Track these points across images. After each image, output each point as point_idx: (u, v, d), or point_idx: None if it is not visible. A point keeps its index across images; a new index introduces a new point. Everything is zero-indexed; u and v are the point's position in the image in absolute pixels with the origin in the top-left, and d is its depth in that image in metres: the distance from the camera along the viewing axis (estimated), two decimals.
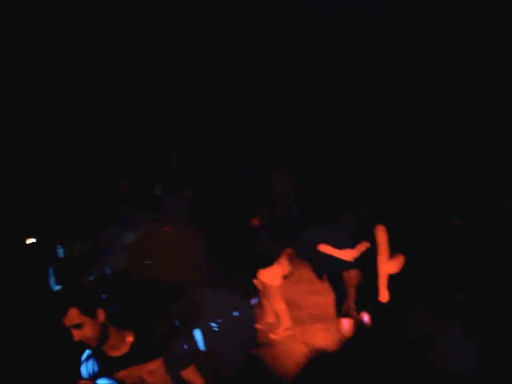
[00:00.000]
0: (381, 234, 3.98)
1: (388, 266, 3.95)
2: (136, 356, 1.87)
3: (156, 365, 1.86)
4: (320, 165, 6.58)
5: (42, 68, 6.64)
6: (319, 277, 5.07)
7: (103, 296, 2.02)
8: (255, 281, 4.50)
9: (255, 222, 4.34)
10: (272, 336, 4.30)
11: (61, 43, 6.53)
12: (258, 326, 4.43)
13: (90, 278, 3.23)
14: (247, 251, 4.73)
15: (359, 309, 4.39)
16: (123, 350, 1.92)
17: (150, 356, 1.87)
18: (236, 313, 4.30)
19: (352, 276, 4.29)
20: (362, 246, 4.20)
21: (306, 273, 5.22)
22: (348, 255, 4.22)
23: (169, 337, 1.98)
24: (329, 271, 4.62)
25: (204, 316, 3.51)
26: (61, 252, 4.21)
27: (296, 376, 3.48)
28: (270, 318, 4.56)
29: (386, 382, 3.29)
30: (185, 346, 2.04)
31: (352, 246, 4.24)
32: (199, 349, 3.41)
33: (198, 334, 3.44)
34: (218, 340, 3.70)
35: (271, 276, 4.29)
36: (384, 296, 3.88)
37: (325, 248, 4.37)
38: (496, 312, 3.25)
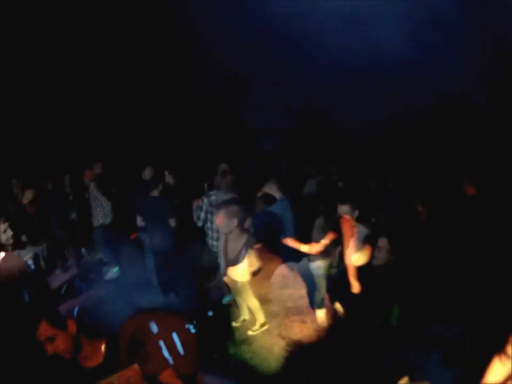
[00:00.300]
0: (346, 226, 4.02)
1: (355, 258, 3.99)
2: (112, 364, 1.83)
3: (132, 372, 1.82)
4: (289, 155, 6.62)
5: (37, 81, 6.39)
6: (291, 270, 5.13)
7: (74, 307, 1.97)
8: (225, 279, 4.49)
9: (220, 220, 4.30)
10: (249, 332, 4.30)
11: (60, 45, 6.26)
12: (234, 324, 4.43)
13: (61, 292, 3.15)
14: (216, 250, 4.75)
15: (333, 299, 4.46)
16: (98, 359, 1.88)
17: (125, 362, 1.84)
18: (210, 314, 4.30)
19: (320, 266, 4.34)
20: (327, 239, 4.25)
21: (277, 267, 5.26)
22: (311, 248, 4.27)
23: (144, 341, 1.95)
24: (300, 263, 4.68)
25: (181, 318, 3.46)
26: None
27: (276, 370, 3.49)
28: (245, 315, 4.56)
29: (362, 369, 3.35)
30: (164, 350, 2.00)
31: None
32: (178, 352, 3.37)
33: (175, 337, 3.39)
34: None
35: (240, 273, 4.29)
36: (354, 287, 3.93)
37: (289, 242, 4.41)
38: (473, 344, 3.32)
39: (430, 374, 3.20)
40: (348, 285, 4.13)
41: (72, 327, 1.82)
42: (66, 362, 1.85)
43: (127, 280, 3.47)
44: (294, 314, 4.48)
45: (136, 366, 1.84)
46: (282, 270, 5.21)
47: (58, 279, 3.34)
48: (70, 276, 3.23)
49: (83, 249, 4.84)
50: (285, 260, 5.14)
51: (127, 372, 1.82)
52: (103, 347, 1.90)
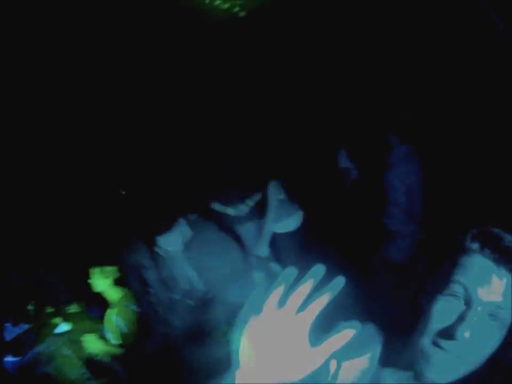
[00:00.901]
0: (271, 190, 4.02)
1: (273, 224, 4.04)
2: None
3: None
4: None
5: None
6: (227, 235, 5.11)
7: None
8: (156, 249, 4.36)
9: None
10: (191, 302, 4.28)
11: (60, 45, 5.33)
12: (174, 296, 4.37)
13: None
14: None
15: (270, 260, 4.56)
16: None
17: None
18: (151, 291, 4.19)
19: (246, 227, 4.36)
20: (251, 201, 4.25)
21: (211, 234, 5.21)
22: (236, 210, 4.25)
23: None
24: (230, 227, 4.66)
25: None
26: None
27: (225, 334, 3.50)
28: (183, 285, 4.51)
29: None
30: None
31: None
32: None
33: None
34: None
35: (170, 242, 4.22)
36: (259, 250, 4.03)
37: (216, 206, 4.36)
38: None
39: None
40: (282, 245, 4.24)
41: None
42: None
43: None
44: (234, 279, 4.49)
45: None
46: (215, 236, 5.18)
47: (8, 333, 2.99)
48: (19, 329, 2.93)
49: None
50: (220, 226, 5.10)
51: None
52: None
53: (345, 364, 0.88)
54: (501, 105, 3.83)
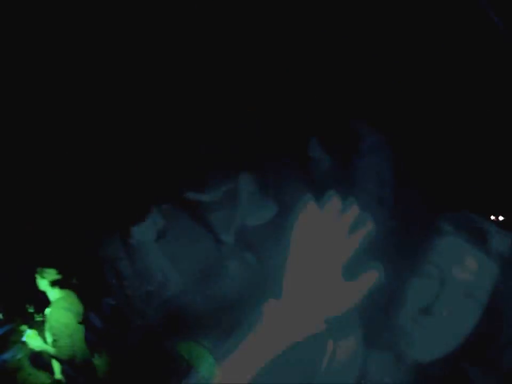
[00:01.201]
0: (243, 181, 4.03)
1: (246, 215, 4.06)
2: None
3: None
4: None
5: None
6: (199, 224, 5.09)
7: None
8: (129, 239, 4.31)
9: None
10: (166, 293, 4.26)
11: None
12: (149, 288, 4.34)
13: None
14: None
15: (242, 250, 4.55)
16: None
17: None
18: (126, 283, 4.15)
19: (221, 218, 4.36)
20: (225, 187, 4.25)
21: (185, 223, 5.19)
22: (209, 196, 4.25)
23: None
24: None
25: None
26: None
27: (204, 325, 3.50)
28: (158, 276, 4.49)
29: None
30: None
31: None
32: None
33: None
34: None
35: (143, 232, 4.20)
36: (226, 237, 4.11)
37: (188, 194, 4.35)
38: None
39: None
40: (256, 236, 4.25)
41: None
42: None
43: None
44: (209, 269, 4.50)
45: None
46: (190, 225, 5.16)
47: None
48: None
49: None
50: (194, 215, 5.08)
51: None
52: None
53: (339, 345, 0.87)
54: (496, 103, 3.94)
